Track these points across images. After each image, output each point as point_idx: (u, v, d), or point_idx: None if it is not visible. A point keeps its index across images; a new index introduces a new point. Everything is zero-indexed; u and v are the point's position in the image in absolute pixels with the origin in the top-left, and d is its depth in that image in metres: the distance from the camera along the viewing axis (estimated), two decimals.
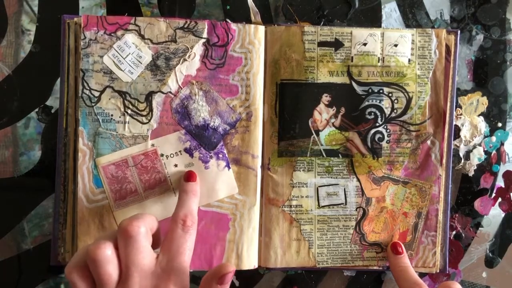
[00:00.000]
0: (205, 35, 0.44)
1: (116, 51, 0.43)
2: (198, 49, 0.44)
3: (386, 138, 0.47)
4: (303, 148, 0.46)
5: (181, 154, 0.44)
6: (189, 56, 0.44)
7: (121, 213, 0.44)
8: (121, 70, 0.44)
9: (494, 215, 0.50)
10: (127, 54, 0.44)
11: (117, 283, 0.35)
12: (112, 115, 0.44)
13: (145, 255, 0.36)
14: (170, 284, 0.36)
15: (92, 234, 0.43)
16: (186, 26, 0.44)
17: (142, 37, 0.44)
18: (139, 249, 0.35)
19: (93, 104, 0.43)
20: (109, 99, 0.44)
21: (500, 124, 0.50)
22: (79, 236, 0.44)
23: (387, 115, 0.46)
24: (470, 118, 0.49)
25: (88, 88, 0.43)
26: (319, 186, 0.46)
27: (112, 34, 0.43)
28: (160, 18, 0.44)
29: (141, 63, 0.44)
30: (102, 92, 0.44)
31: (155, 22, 0.44)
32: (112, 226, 0.44)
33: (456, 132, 0.48)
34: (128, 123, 0.44)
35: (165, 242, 0.38)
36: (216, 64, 0.44)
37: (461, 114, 0.49)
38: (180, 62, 0.44)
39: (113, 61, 0.44)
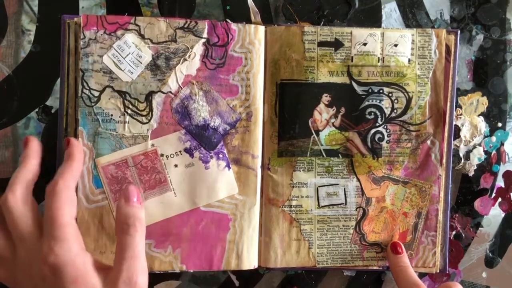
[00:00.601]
0: (205, 35, 0.44)
1: (116, 50, 0.43)
2: (198, 49, 0.44)
3: (386, 138, 0.47)
4: (303, 148, 0.46)
5: (181, 154, 0.44)
6: (189, 56, 0.44)
7: None
8: (121, 70, 0.43)
9: (494, 215, 0.50)
10: (127, 53, 0.43)
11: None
12: (112, 115, 0.43)
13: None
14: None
15: (92, 235, 0.43)
16: (186, 26, 0.44)
17: (142, 36, 0.44)
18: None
19: (92, 104, 0.43)
20: (109, 99, 0.43)
21: (500, 124, 0.50)
22: None
23: (387, 115, 0.46)
24: (470, 118, 0.49)
25: (87, 88, 0.43)
26: (319, 186, 0.46)
27: (112, 34, 0.43)
28: (160, 18, 0.44)
29: (141, 63, 0.44)
30: (101, 92, 0.43)
31: (155, 22, 0.44)
32: (112, 227, 0.44)
33: (456, 132, 0.48)
34: (128, 123, 0.44)
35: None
36: (216, 64, 0.44)
37: (461, 114, 0.49)
38: (180, 62, 0.44)
39: (113, 61, 0.43)
